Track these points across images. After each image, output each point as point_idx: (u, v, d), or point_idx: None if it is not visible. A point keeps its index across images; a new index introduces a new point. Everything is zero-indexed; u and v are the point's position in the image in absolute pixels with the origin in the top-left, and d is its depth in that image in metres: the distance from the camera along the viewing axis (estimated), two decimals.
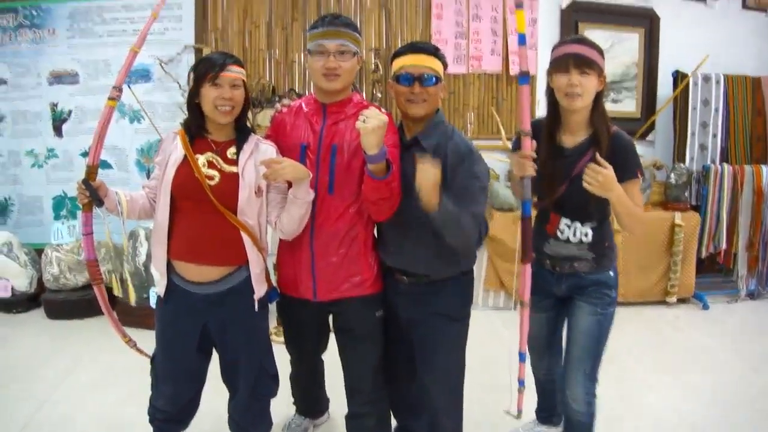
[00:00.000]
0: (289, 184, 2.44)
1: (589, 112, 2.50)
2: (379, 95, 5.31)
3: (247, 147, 2.44)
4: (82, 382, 3.73)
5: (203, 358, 2.61)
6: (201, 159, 2.38)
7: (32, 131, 5.35)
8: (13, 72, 5.30)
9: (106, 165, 5.23)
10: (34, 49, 5.27)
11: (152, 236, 2.50)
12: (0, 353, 4.24)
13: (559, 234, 2.62)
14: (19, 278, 4.97)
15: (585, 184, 2.31)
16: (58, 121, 5.31)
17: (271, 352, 2.69)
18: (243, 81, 2.41)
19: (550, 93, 2.55)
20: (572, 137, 2.55)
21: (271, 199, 2.51)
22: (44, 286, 4.99)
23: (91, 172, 2.37)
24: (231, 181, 2.39)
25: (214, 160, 2.40)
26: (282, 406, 3.29)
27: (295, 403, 3.30)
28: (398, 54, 2.50)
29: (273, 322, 3.84)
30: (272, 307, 2.70)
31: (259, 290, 2.51)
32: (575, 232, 2.60)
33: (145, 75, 5.16)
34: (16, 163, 5.39)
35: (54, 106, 5.31)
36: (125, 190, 2.49)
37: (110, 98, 2.41)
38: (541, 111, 5.52)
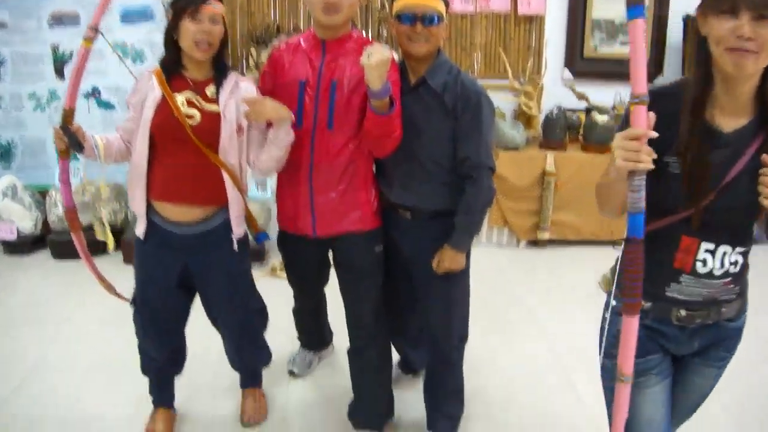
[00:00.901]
0: (269, 124, 2.42)
1: (758, 80, 1.61)
2: (386, 33, 5.25)
3: (227, 85, 2.40)
4: (89, 321, 3.77)
5: (185, 295, 2.62)
6: (180, 98, 2.34)
7: (34, 74, 5.30)
8: (13, 15, 5.21)
9: (109, 105, 5.23)
10: None
11: (129, 177, 2.45)
12: (7, 295, 4.28)
13: (698, 266, 1.73)
14: (24, 220, 4.98)
15: (763, 196, 1.54)
16: (60, 63, 5.25)
17: (254, 289, 2.72)
18: (222, 17, 2.35)
19: (701, 45, 1.65)
20: (733, 118, 1.65)
21: (251, 138, 2.47)
22: (50, 227, 5.01)
23: (68, 116, 2.31)
24: (212, 120, 2.35)
25: (194, 99, 2.36)
26: (287, 340, 3.34)
27: (299, 338, 3.34)
28: None
29: (279, 257, 3.86)
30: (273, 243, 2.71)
31: (238, 231, 2.50)
32: (722, 260, 1.72)
33: (147, 14, 5.09)
34: (19, 107, 5.35)
35: (55, 48, 5.25)
36: (101, 134, 2.44)
37: (85, 39, 2.32)
38: (551, 52, 5.61)
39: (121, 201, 4.96)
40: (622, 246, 1.56)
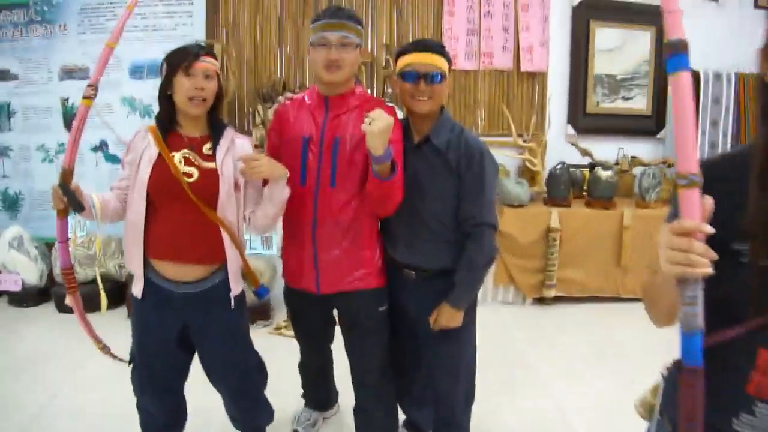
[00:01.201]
0: (265, 182, 2.42)
1: None
2: (390, 91, 5.30)
3: (224, 142, 2.40)
4: (93, 375, 3.74)
5: (184, 353, 2.59)
6: (177, 156, 2.32)
7: (43, 126, 5.36)
8: (24, 67, 5.30)
9: (117, 159, 5.25)
10: (45, 45, 5.26)
11: (126, 236, 2.42)
12: (11, 346, 4.26)
13: None
14: (29, 272, 4.97)
15: None
16: (69, 116, 5.30)
17: (251, 346, 2.69)
18: (216, 73, 2.36)
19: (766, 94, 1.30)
20: None
21: (248, 195, 2.47)
22: (54, 280, 5.01)
23: (67, 175, 2.27)
24: (210, 178, 2.34)
25: (191, 157, 2.34)
26: (291, 400, 3.31)
27: (304, 396, 3.31)
28: (403, 52, 2.49)
29: (284, 315, 3.87)
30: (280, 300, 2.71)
31: (236, 288, 2.49)
32: None
33: (156, 69, 5.13)
34: (27, 158, 5.40)
35: (65, 101, 5.32)
36: (97, 192, 2.40)
37: (85, 97, 2.30)
38: (554, 108, 5.68)
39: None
40: (668, 369, 1.21)
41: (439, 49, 2.46)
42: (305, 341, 3.05)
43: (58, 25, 5.23)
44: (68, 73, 5.29)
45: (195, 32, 5.18)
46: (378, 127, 2.14)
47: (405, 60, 2.45)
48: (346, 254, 2.52)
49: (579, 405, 3.58)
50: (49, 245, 5.11)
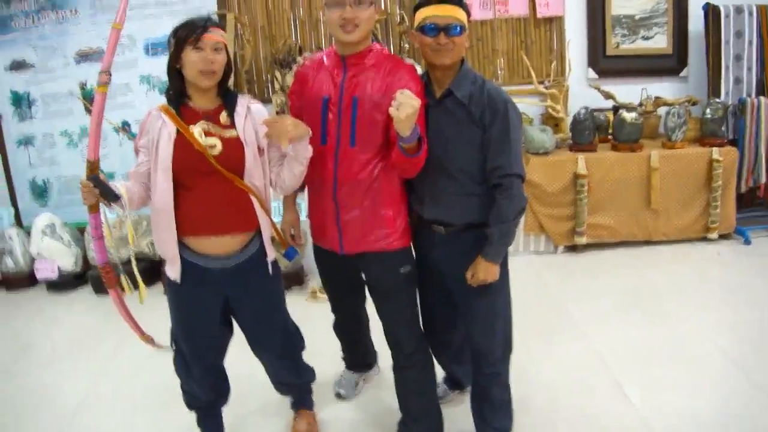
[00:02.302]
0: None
1: None
2: (407, 46, 5.26)
3: (240, 109, 2.40)
4: (134, 354, 3.78)
5: (227, 331, 2.63)
6: (196, 129, 2.30)
7: (64, 111, 5.40)
8: (39, 55, 5.33)
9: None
10: (58, 30, 5.28)
11: (155, 221, 2.40)
12: (52, 332, 4.35)
13: None
14: (64, 258, 5.05)
15: None
16: (89, 100, 5.32)
17: (287, 310, 2.73)
18: (224, 44, 2.34)
19: None
20: None
21: (271, 157, 2.49)
22: (89, 263, 5.08)
23: (94, 167, 2.25)
24: (234, 146, 2.34)
25: (210, 128, 2.34)
26: (330, 363, 3.35)
27: (343, 358, 3.35)
28: (421, 5, 2.45)
29: (318, 281, 3.88)
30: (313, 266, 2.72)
31: (271, 254, 2.51)
32: None
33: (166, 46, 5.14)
34: (51, 145, 5.45)
35: (83, 84, 5.34)
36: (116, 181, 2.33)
37: (99, 84, 2.28)
38: (573, 53, 5.60)
39: None
40: None
41: (457, 1, 2.41)
42: (336, 301, 3.08)
43: (69, 10, 5.24)
44: (84, 57, 5.31)
45: (207, 4, 5.16)
46: (406, 112, 2.14)
47: (423, 13, 2.41)
48: (366, 214, 2.52)
49: (615, 349, 3.60)
50: (81, 229, 5.17)
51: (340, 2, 2.34)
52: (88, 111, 5.27)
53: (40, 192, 5.49)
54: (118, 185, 2.24)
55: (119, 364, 3.76)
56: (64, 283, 5.06)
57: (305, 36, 5.40)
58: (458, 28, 2.37)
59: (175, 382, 2.72)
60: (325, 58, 2.55)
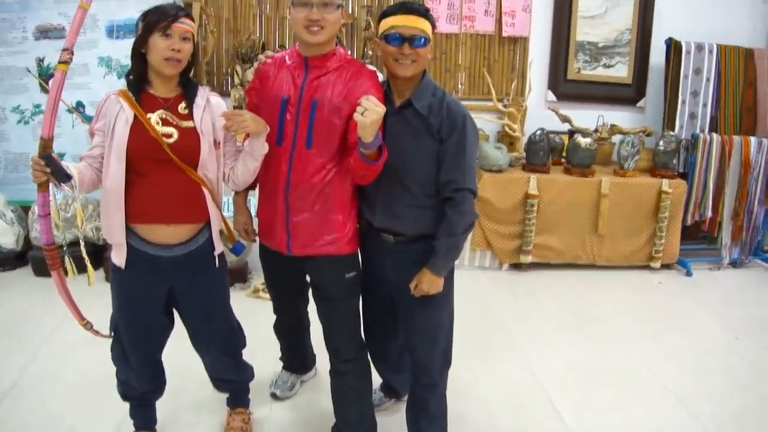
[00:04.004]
0: (245, 137, 2.44)
1: None
2: (370, 53, 5.27)
3: (200, 100, 2.39)
4: (71, 339, 3.72)
5: (168, 322, 2.60)
6: (153, 117, 2.29)
7: (18, 87, 5.26)
8: None
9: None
10: (19, 3, 5.14)
11: (104, 204, 2.36)
12: None
13: None
14: (5, 236, 4.93)
15: None
16: (45, 77, 5.21)
17: (231, 306, 2.71)
18: (192, 34, 2.33)
19: None
20: None
21: (227, 151, 2.49)
22: (31, 243, 4.97)
23: (48, 145, 2.17)
24: (190, 137, 2.32)
25: (168, 117, 2.32)
26: (269, 362, 3.33)
27: (281, 359, 3.33)
28: (387, 13, 2.45)
29: (262, 278, 3.86)
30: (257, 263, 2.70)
31: (219, 246, 2.50)
32: None
33: (132, 30, 5.06)
34: (2, 120, 5.30)
35: (40, 61, 5.22)
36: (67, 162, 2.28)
37: (61, 62, 2.21)
38: (534, 74, 5.67)
39: None
40: None
41: (423, 12, 2.42)
42: (278, 302, 3.06)
43: None
44: (43, 33, 5.18)
45: None
46: (370, 118, 2.15)
47: (389, 22, 2.41)
48: (316, 217, 2.51)
49: (553, 369, 3.65)
50: (26, 208, 5.07)
51: (307, 3, 2.33)
52: (44, 90, 5.17)
53: None
54: (70, 166, 2.20)
55: (55, 349, 3.69)
56: (4, 261, 4.94)
57: (269, 33, 5.37)
58: (422, 40, 2.38)
59: (111, 370, 2.67)
60: (287, 58, 2.54)
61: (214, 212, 2.44)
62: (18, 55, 5.21)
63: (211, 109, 2.40)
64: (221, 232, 2.53)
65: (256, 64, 3.02)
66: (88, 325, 2.62)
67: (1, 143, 5.33)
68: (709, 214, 5.52)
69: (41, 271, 4.78)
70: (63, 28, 5.15)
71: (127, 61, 4.96)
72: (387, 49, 2.41)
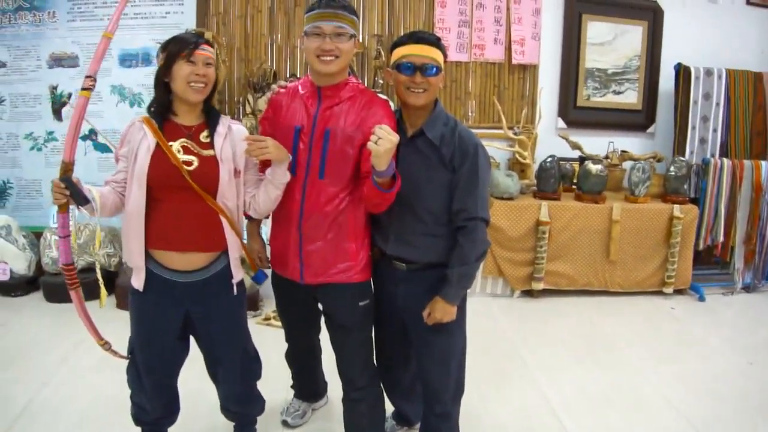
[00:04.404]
0: (267, 164, 2.44)
1: None
2: (381, 81, 5.29)
3: (221, 129, 2.41)
4: (82, 365, 3.73)
5: (183, 347, 2.61)
6: (175, 145, 2.33)
7: (32, 114, 5.31)
8: (12, 54, 5.25)
9: (107, 149, 5.22)
10: (33, 32, 5.22)
11: (125, 229, 2.40)
12: (0, 335, 4.24)
13: None
14: (17, 261, 4.95)
15: None
16: (58, 105, 5.27)
17: (250, 335, 2.71)
18: (213, 60, 2.37)
19: None
20: None
21: (248, 179, 2.50)
22: (43, 269, 4.99)
23: (68, 168, 2.23)
24: (210, 165, 2.35)
25: (189, 145, 2.35)
26: (280, 390, 3.31)
27: (293, 387, 3.31)
28: (399, 43, 2.47)
29: (273, 306, 3.86)
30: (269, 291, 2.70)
31: (237, 275, 2.50)
32: None
33: (146, 59, 5.12)
34: (15, 146, 5.35)
35: (53, 89, 5.28)
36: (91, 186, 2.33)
37: (84, 89, 2.27)
38: (544, 101, 5.69)
39: (115, 244, 4.95)
40: None
41: (435, 41, 2.44)
42: (291, 329, 3.05)
43: (47, 12, 5.19)
44: (57, 61, 5.25)
45: (185, 20, 5.16)
46: (384, 147, 2.15)
47: (400, 52, 2.43)
48: (330, 246, 2.51)
49: (565, 396, 3.62)
50: (37, 234, 5.08)
51: (320, 33, 2.36)
52: (57, 116, 5.24)
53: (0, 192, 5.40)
54: (93, 190, 2.27)
55: (66, 374, 3.67)
56: (15, 286, 4.95)
57: (281, 62, 5.41)
58: (434, 69, 2.40)
59: (122, 396, 2.67)
60: (300, 87, 2.56)
61: (233, 240, 2.44)
62: (31, 83, 5.28)
63: (232, 137, 2.42)
64: (242, 260, 2.54)
65: (269, 94, 3.04)
66: (106, 345, 2.64)
67: (13, 170, 5.37)
68: (721, 238, 5.50)
69: (53, 296, 4.80)
70: (76, 56, 5.22)
71: (139, 90, 5.13)
72: (399, 79, 2.43)
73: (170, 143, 2.32)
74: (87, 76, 2.29)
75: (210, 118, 2.43)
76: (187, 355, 2.64)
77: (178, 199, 2.34)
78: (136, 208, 2.33)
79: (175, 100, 2.37)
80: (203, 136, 2.39)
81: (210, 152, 2.37)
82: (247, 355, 2.69)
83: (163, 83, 2.35)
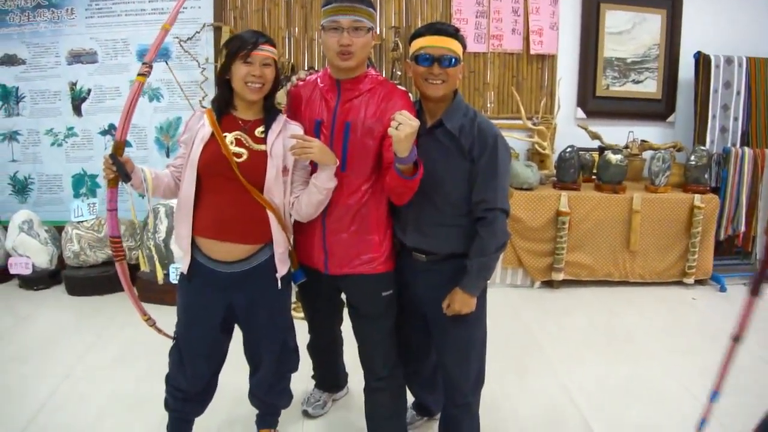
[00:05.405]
0: (314, 168, 2.44)
1: None
2: (399, 73, 5.29)
3: (276, 126, 2.44)
4: (103, 359, 3.76)
5: (225, 336, 2.65)
6: (229, 137, 2.38)
7: (51, 110, 5.37)
8: (32, 52, 5.30)
9: (126, 143, 5.22)
10: (52, 29, 5.26)
11: (176, 213, 2.50)
12: (21, 329, 4.28)
13: None
14: (39, 255, 5.01)
15: None
16: (77, 100, 5.32)
17: (293, 328, 2.73)
18: (274, 60, 2.41)
19: None
20: None
21: (295, 179, 2.51)
22: (65, 263, 5.03)
23: (119, 147, 2.34)
24: (259, 159, 2.39)
25: (242, 138, 2.40)
26: (302, 380, 3.32)
27: (314, 377, 3.33)
28: (418, 35, 2.47)
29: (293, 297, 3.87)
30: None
31: (282, 269, 2.52)
32: None
33: (163, 53, 5.14)
34: (36, 142, 5.41)
35: (73, 85, 5.32)
36: (150, 167, 2.46)
37: (140, 74, 2.37)
38: (563, 91, 5.66)
39: (136, 238, 4.99)
40: None
41: (453, 33, 2.43)
42: (313, 320, 3.07)
43: (65, 10, 5.23)
44: (76, 57, 5.30)
45: (203, 15, 5.19)
46: (405, 132, 2.15)
47: (419, 43, 2.43)
48: (353, 237, 2.53)
49: (586, 387, 3.60)
50: (59, 228, 5.14)
51: (338, 27, 2.36)
52: (76, 112, 5.29)
53: (21, 188, 5.44)
54: (146, 170, 2.41)
55: (88, 367, 3.70)
56: (37, 280, 5.01)
57: (299, 55, 5.42)
58: (452, 60, 2.39)
59: (143, 392, 2.69)
60: (319, 80, 2.56)
61: (279, 236, 2.47)
62: (51, 80, 5.34)
63: (286, 134, 2.44)
64: (290, 254, 2.58)
65: (288, 85, 3.05)
66: (150, 321, 2.73)
67: (34, 165, 5.43)
68: (743, 228, 5.46)
69: (74, 290, 4.86)
70: (95, 52, 5.28)
71: (158, 84, 5.15)
72: (417, 70, 2.43)
73: (225, 134, 2.39)
74: (143, 63, 2.40)
75: (268, 114, 2.47)
76: (226, 346, 2.68)
77: (227, 189, 2.39)
78: (186, 194, 2.42)
79: (236, 96, 2.44)
80: (258, 131, 2.44)
81: (261, 147, 2.41)
82: (286, 347, 2.71)
83: (224, 79, 2.42)
